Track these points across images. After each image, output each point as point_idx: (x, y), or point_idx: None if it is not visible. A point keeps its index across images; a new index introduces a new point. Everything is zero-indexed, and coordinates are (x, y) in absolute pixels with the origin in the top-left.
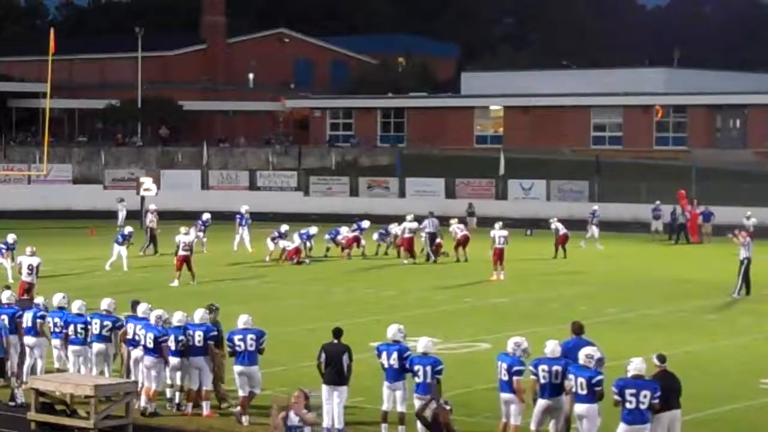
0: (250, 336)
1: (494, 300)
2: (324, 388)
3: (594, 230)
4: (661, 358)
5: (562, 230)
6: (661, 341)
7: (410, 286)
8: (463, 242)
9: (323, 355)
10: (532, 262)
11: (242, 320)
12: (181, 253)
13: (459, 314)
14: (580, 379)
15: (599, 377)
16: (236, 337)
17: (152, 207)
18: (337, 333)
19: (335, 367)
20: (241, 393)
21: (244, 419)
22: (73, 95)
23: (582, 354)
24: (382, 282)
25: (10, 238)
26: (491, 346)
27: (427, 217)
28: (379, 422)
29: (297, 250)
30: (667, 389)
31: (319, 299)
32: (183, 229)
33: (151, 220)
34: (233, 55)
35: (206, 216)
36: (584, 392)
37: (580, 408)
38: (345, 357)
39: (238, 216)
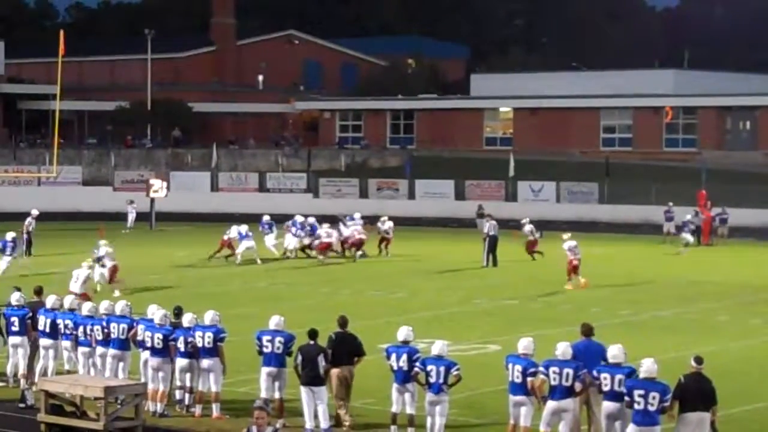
0: (278, 339)
1: (504, 302)
2: (302, 389)
3: (687, 236)
4: (698, 360)
5: (533, 236)
6: (672, 343)
7: (420, 288)
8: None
9: (299, 357)
10: (543, 264)
11: (274, 321)
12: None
13: (468, 316)
14: (619, 376)
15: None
16: (265, 338)
17: (34, 212)
18: (312, 334)
19: (311, 368)
20: (263, 395)
21: (279, 422)
22: (83, 97)
23: (612, 353)
24: (392, 283)
25: (9, 236)
26: (501, 348)
27: (487, 220)
28: (389, 424)
29: (329, 245)
30: (696, 391)
31: (327, 301)
32: (102, 242)
33: (29, 222)
34: (243, 56)
35: (266, 217)
36: (622, 389)
37: (612, 406)
38: (320, 358)
39: (260, 225)
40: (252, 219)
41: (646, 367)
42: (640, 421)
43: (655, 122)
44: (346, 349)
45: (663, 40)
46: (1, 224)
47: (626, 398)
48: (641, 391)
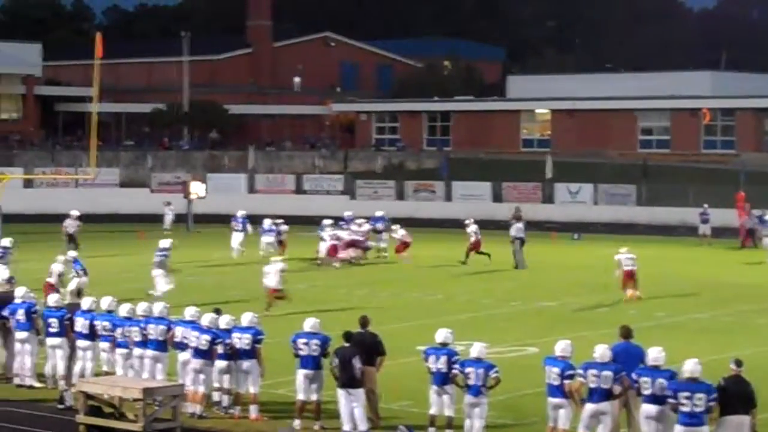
0: (314, 341)
1: (541, 304)
2: (339, 392)
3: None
4: (738, 363)
5: (475, 236)
6: (710, 345)
7: (457, 290)
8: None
9: (335, 360)
10: (580, 266)
11: (309, 323)
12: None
13: (506, 318)
14: (660, 381)
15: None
16: (300, 341)
17: (74, 213)
18: (347, 337)
19: (348, 370)
20: (300, 396)
21: (296, 423)
22: (120, 99)
23: (652, 356)
24: (429, 286)
25: (7, 241)
26: (538, 350)
27: (512, 222)
28: (427, 426)
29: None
30: (736, 394)
31: (365, 303)
32: (60, 257)
33: (69, 224)
34: (279, 58)
35: (241, 213)
36: (665, 392)
37: (653, 409)
38: (356, 360)
39: (233, 220)
40: (288, 221)
41: (690, 367)
42: (686, 423)
43: (693, 124)
44: (366, 349)
45: (700, 41)
46: (40, 225)
47: (671, 400)
48: (686, 393)
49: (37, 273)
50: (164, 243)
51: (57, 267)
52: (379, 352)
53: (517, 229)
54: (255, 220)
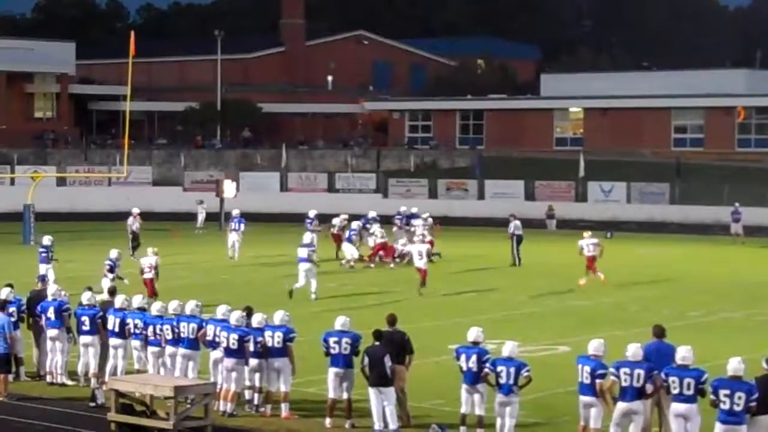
0: (345, 339)
1: (574, 303)
2: (370, 390)
3: None
4: None
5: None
6: (744, 344)
7: (489, 288)
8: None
9: (366, 359)
10: (613, 265)
11: (339, 322)
12: (146, 276)
13: (538, 317)
14: (688, 380)
15: (707, 375)
16: (332, 339)
17: (135, 210)
18: (378, 336)
19: (379, 369)
20: (331, 395)
21: (327, 422)
22: (153, 98)
23: (680, 354)
24: (462, 284)
25: (47, 240)
26: (571, 349)
27: (510, 220)
28: (458, 425)
29: (383, 246)
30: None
31: (396, 301)
32: (150, 250)
33: (132, 222)
34: (312, 57)
35: (236, 212)
36: (690, 392)
37: (682, 407)
38: (386, 359)
39: (230, 220)
40: (321, 220)
41: (733, 366)
42: (725, 420)
43: (727, 122)
44: (395, 347)
45: (735, 39)
46: (73, 224)
47: (712, 397)
48: (727, 391)
49: (70, 271)
50: (307, 239)
51: (148, 260)
52: (408, 350)
53: (515, 226)
54: (289, 218)
